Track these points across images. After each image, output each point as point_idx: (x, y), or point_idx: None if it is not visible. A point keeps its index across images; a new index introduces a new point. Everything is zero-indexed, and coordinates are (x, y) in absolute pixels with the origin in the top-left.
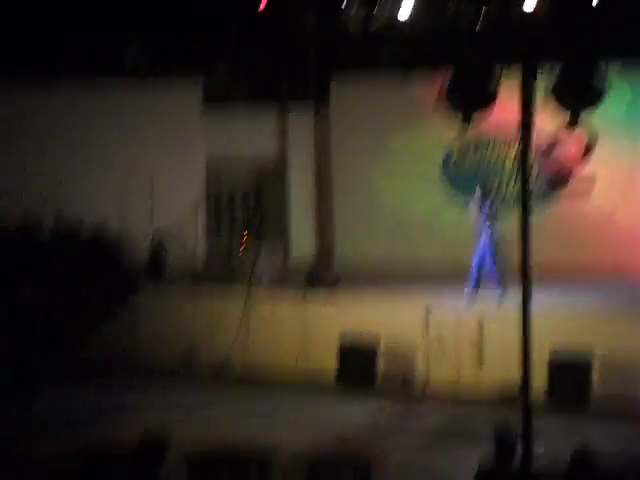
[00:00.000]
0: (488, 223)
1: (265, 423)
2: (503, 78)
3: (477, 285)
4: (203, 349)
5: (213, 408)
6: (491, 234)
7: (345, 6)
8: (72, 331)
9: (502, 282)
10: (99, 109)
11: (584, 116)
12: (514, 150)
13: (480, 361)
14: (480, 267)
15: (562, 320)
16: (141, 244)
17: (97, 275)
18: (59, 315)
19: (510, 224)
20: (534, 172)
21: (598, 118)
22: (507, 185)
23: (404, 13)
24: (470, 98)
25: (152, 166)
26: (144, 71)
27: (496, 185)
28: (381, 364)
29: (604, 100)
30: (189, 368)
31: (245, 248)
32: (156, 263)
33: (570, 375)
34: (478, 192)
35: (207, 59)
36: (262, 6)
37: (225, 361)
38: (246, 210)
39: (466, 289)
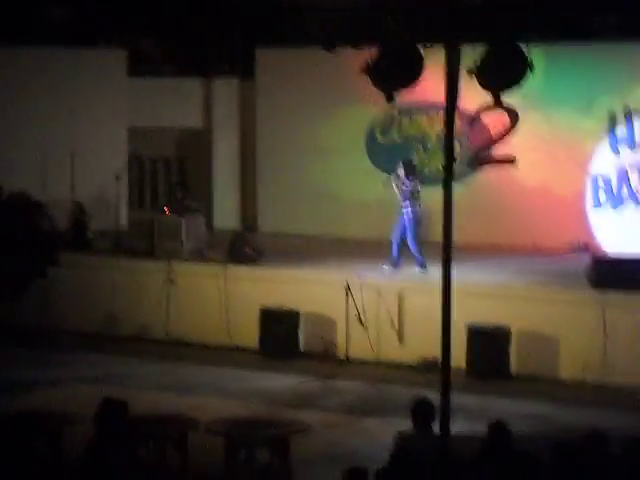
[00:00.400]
0: (410, 198)
1: (185, 393)
2: (427, 55)
3: (398, 261)
4: (123, 319)
5: (133, 377)
6: (413, 209)
7: None
8: None
9: (422, 258)
10: (22, 77)
11: (506, 94)
12: (437, 126)
13: (400, 336)
14: (401, 242)
15: (480, 296)
16: (62, 213)
17: (15, 242)
18: None
19: (432, 200)
20: (456, 149)
21: (520, 96)
22: (429, 161)
23: None
24: (394, 75)
25: (74, 136)
26: (68, 40)
27: (418, 160)
28: (302, 337)
29: (525, 80)
30: (108, 336)
31: (167, 219)
32: (77, 232)
33: (488, 349)
34: (400, 167)
35: (132, 30)
36: None
37: (146, 331)
38: (169, 181)
39: (387, 265)
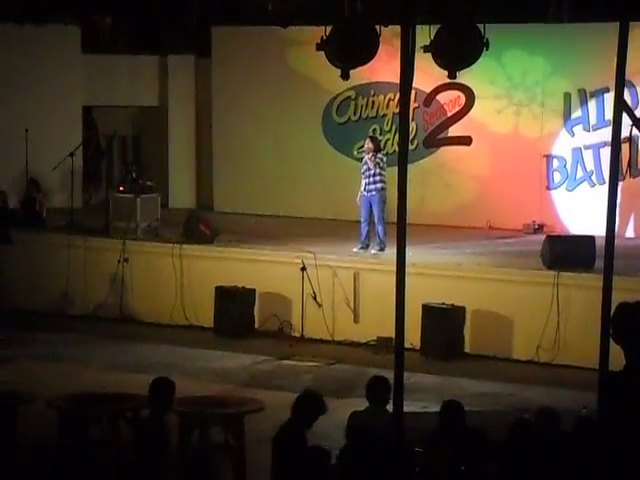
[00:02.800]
0: (379, 175)
1: (139, 372)
2: (382, 32)
3: (366, 239)
4: (78, 298)
5: (86, 355)
6: (382, 188)
7: None
8: None
9: (383, 237)
10: None
11: (461, 74)
12: (394, 106)
13: (355, 315)
14: (368, 220)
15: (434, 276)
16: (16, 190)
17: None
18: None
19: (387, 180)
20: (412, 127)
21: (478, 76)
22: (386, 141)
23: None
24: (348, 53)
25: (29, 113)
26: (23, 17)
27: (378, 139)
28: (257, 316)
29: (478, 59)
30: (62, 315)
31: (121, 197)
32: (31, 209)
33: (442, 328)
34: (367, 143)
35: (86, 5)
36: None
37: (100, 309)
38: (124, 159)
39: (357, 247)
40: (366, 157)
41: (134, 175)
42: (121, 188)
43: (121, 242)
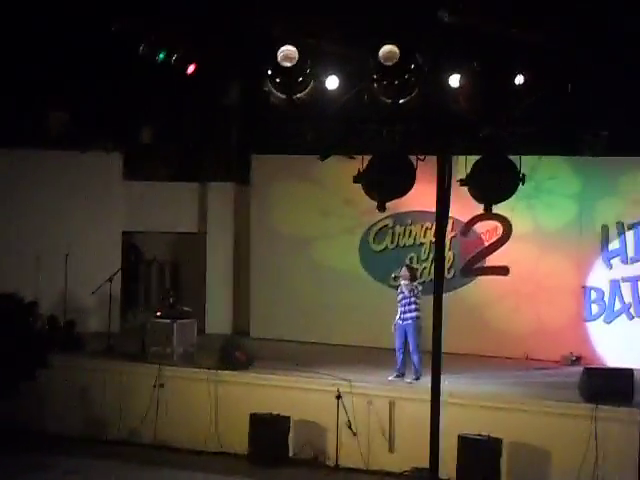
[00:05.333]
0: (415, 304)
1: None
2: (420, 163)
3: (402, 367)
4: (112, 422)
5: None
6: (417, 316)
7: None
8: None
9: (420, 366)
10: (18, 178)
11: (499, 205)
12: (431, 235)
13: (390, 444)
14: (404, 348)
15: (471, 407)
16: (54, 315)
17: (5, 344)
18: None
19: (423, 309)
20: (449, 256)
21: (515, 209)
22: (422, 270)
23: (328, 90)
24: (385, 185)
25: (69, 237)
26: (66, 143)
27: (415, 268)
28: (292, 445)
29: (514, 193)
30: (96, 440)
31: (159, 323)
32: (68, 335)
33: (478, 461)
34: (403, 272)
35: (129, 133)
36: (190, 71)
37: (135, 435)
38: (162, 284)
39: (393, 376)
40: (402, 285)
41: (172, 300)
42: (158, 313)
43: (157, 367)
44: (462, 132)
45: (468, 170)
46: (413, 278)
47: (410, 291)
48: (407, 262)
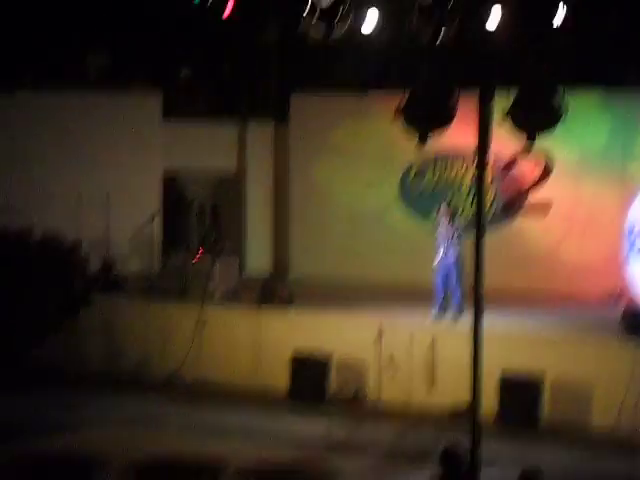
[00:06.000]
0: (453, 241)
1: (215, 437)
2: (461, 98)
3: (443, 304)
4: (155, 362)
5: (164, 421)
6: (456, 252)
7: (305, 19)
8: (21, 341)
9: (461, 302)
10: (59, 121)
11: (542, 138)
12: (471, 169)
13: (431, 381)
14: (445, 286)
15: (513, 343)
16: (96, 255)
17: (48, 285)
18: (7, 324)
19: (464, 246)
20: (491, 193)
21: (557, 145)
22: (464, 204)
23: (367, 27)
24: (427, 117)
25: (109, 177)
26: (105, 82)
27: (456, 204)
28: (333, 381)
29: (559, 122)
30: (139, 379)
31: (200, 262)
32: (110, 274)
33: (520, 397)
34: (443, 210)
35: (168, 72)
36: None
37: (177, 374)
38: (202, 223)
39: (435, 310)
40: (442, 223)
41: (212, 239)
42: (200, 251)
43: (199, 306)
44: (503, 67)
45: (510, 102)
46: (453, 216)
47: (450, 229)
48: (446, 201)
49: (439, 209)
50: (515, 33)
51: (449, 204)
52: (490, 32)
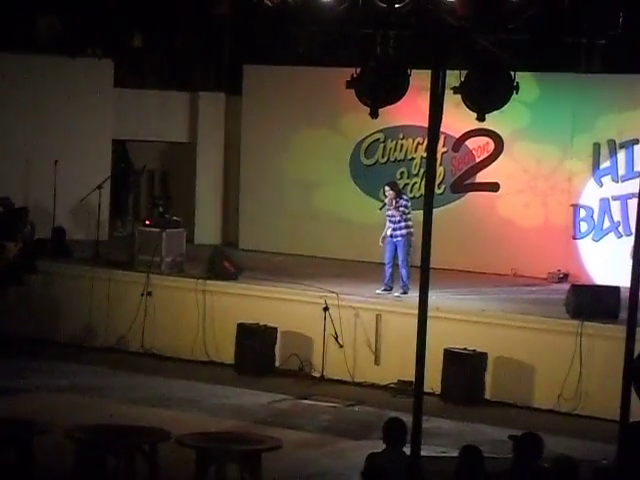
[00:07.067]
0: (404, 220)
1: (158, 406)
2: (413, 74)
3: (389, 282)
4: (100, 330)
5: (107, 388)
6: (404, 230)
7: None
8: None
9: (407, 280)
10: (7, 84)
11: (491, 118)
12: (422, 150)
13: (376, 357)
14: (392, 263)
15: (458, 322)
16: (43, 221)
17: None
18: None
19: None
20: (440, 173)
21: (508, 122)
22: (413, 185)
23: None
24: (378, 91)
25: (58, 145)
26: (56, 49)
27: (402, 184)
28: (278, 355)
29: (507, 102)
30: (84, 347)
31: (147, 231)
32: (57, 241)
33: (463, 375)
34: (389, 189)
35: (120, 40)
36: None
37: (122, 342)
38: (151, 194)
39: (381, 289)
40: (388, 203)
41: (161, 210)
42: (147, 222)
43: (145, 276)
44: (457, 43)
45: (461, 79)
46: (398, 194)
47: (397, 208)
48: (391, 180)
49: (384, 189)
50: (469, 12)
51: (392, 184)
52: (446, 5)
